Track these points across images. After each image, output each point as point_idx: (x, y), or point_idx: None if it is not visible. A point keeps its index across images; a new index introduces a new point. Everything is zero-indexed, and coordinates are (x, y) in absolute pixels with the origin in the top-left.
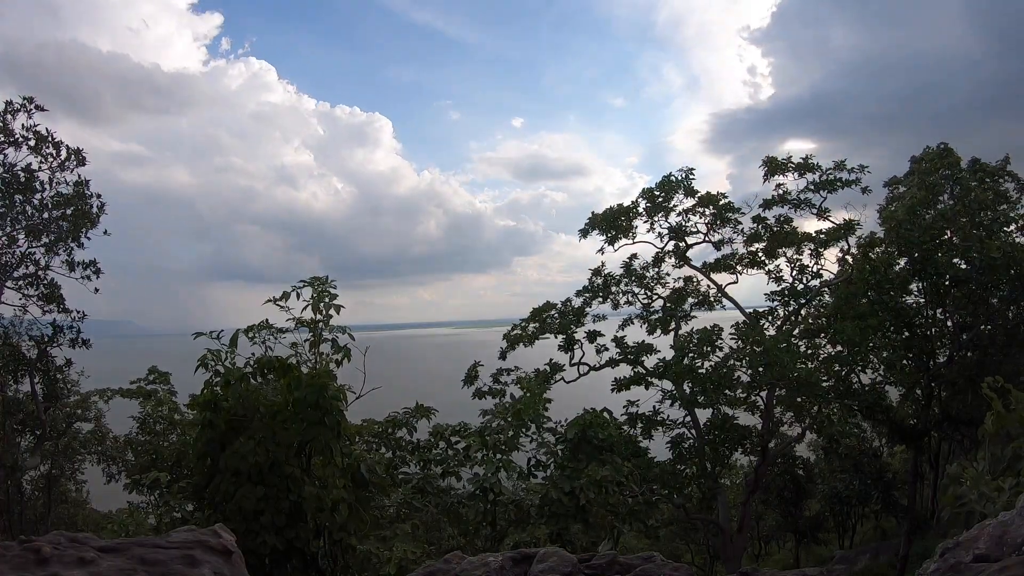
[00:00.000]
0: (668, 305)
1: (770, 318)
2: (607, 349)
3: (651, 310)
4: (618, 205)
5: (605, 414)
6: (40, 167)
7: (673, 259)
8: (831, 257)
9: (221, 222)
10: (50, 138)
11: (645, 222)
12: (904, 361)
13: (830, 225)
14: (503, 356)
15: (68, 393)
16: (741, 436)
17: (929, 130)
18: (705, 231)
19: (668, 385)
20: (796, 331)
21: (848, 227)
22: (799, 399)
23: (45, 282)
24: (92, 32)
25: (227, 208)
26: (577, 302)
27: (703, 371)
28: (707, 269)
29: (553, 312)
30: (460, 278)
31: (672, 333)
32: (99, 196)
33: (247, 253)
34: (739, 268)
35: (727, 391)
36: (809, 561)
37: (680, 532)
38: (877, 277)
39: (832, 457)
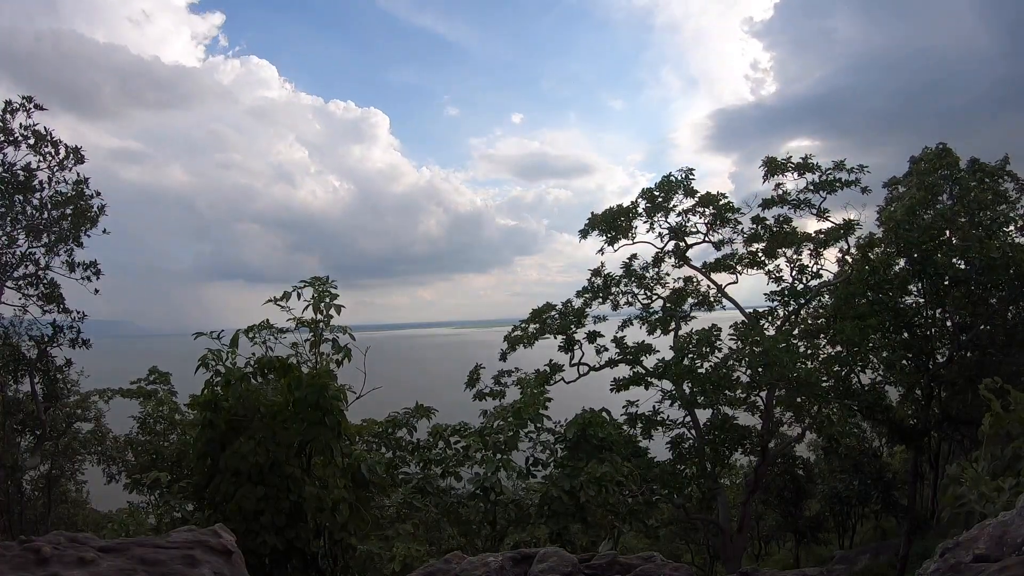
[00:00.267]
0: (668, 305)
1: (770, 318)
2: (607, 349)
3: (651, 310)
4: (618, 206)
5: (604, 414)
6: (39, 166)
7: (673, 259)
8: (831, 257)
9: (220, 220)
10: (49, 137)
11: (645, 222)
12: (904, 361)
13: (830, 225)
14: (503, 357)
15: (68, 393)
16: (741, 436)
17: (938, 128)
18: (705, 231)
19: (668, 385)
20: (796, 331)
21: (848, 227)
22: (799, 399)
23: (45, 282)
24: (90, 24)
25: (226, 206)
26: (577, 303)
27: (703, 371)
28: (707, 269)
29: (553, 313)
30: (460, 278)
31: (672, 333)
32: (99, 194)
33: (246, 252)
34: (739, 268)
35: (727, 391)
36: (809, 561)
37: (680, 532)
38: (876, 277)
39: (832, 457)
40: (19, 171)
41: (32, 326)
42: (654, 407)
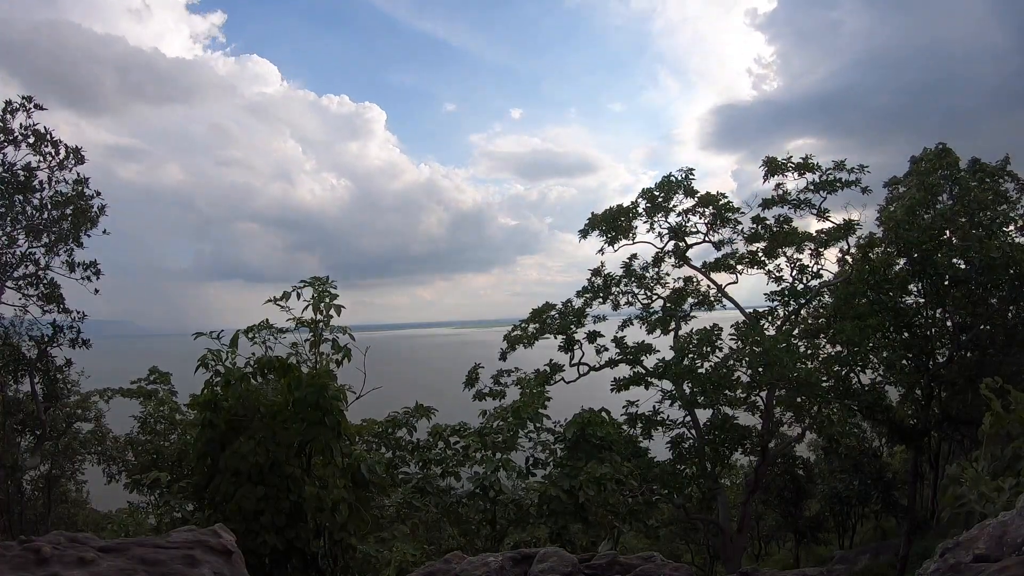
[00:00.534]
0: (668, 305)
1: (770, 318)
2: (607, 349)
3: (651, 310)
4: (618, 206)
5: (604, 414)
6: (39, 166)
7: (673, 259)
8: (831, 257)
9: (219, 219)
10: (49, 137)
11: (645, 222)
12: (904, 361)
13: (830, 225)
14: (503, 357)
15: (68, 393)
16: (741, 436)
17: (945, 126)
18: (705, 231)
19: (668, 385)
20: (796, 331)
21: (848, 227)
22: (799, 399)
23: (45, 282)
24: (88, 17)
25: (225, 205)
26: (577, 302)
27: (703, 371)
28: (707, 269)
29: (553, 313)
30: (460, 277)
31: (672, 333)
32: (99, 194)
33: (245, 252)
34: (739, 268)
35: (727, 391)
36: (809, 561)
37: (680, 532)
38: (876, 277)
39: (832, 457)
40: (19, 171)
41: (32, 326)
42: (654, 407)
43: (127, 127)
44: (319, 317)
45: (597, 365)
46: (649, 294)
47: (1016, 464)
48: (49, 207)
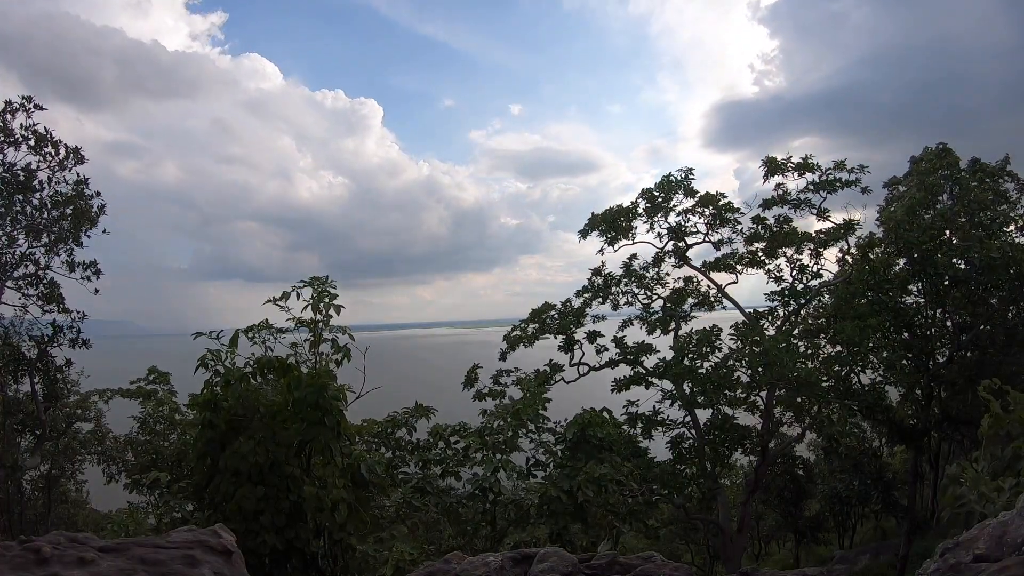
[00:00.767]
0: (668, 305)
1: (770, 318)
2: (607, 349)
3: (651, 310)
4: (618, 206)
5: (604, 414)
6: (39, 166)
7: (673, 259)
8: (831, 257)
9: (218, 217)
10: (49, 137)
11: (645, 222)
12: (904, 361)
13: (830, 225)
14: (503, 357)
15: (68, 393)
16: (741, 436)
17: (954, 124)
18: (705, 231)
19: (668, 385)
20: (796, 331)
21: (848, 227)
22: (799, 399)
23: (45, 282)
24: (86, 11)
25: (223, 203)
26: (577, 302)
27: (703, 371)
28: (707, 269)
29: (553, 313)
30: (461, 277)
31: (672, 333)
32: (99, 195)
33: (244, 251)
34: (739, 268)
35: (727, 391)
36: (809, 561)
37: (680, 532)
38: (876, 277)
39: (832, 457)
40: (19, 171)
41: (32, 326)
42: (654, 407)
43: (126, 122)
44: (319, 317)
45: (597, 365)
46: (649, 294)
47: (1016, 464)
48: (49, 207)
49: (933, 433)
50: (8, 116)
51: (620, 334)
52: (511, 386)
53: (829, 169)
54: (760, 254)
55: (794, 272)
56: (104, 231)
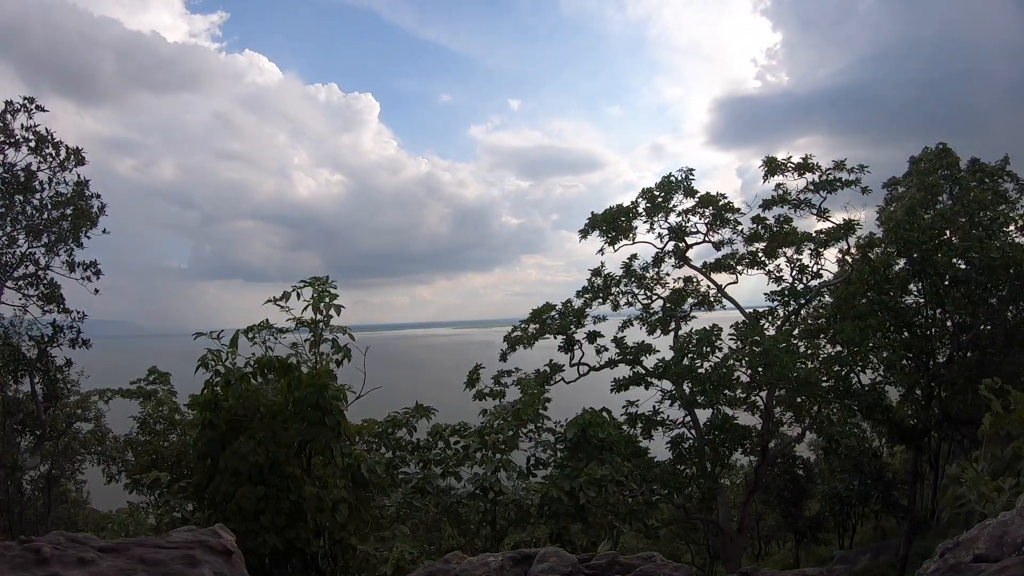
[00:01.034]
0: (668, 305)
1: (770, 318)
2: (607, 349)
3: (651, 311)
4: (618, 206)
5: (604, 414)
6: (40, 167)
7: (673, 259)
8: (831, 257)
9: (217, 215)
10: (50, 138)
11: (645, 222)
12: (904, 361)
13: (830, 225)
14: (503, 358)
15: (68, 393)
16: (741, 436)
17: (964, 122)
18: (705, 231)
19: (668, 385)
20: (796, 331)
21: (848, 227)
22: (799, 399)
23: (45, 282)
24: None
25: (224, 201)
26: (577, 303)
27: (703, 371)
28: (707, 269)
29: (553, 313)
30: (461, 277)
31: (672, 333)
32: (99, 196)
33: (243, 250)
34: (739, 268)
35: (727, 391)
36: (809, 561)
37: (680, 532)
38: (876, 277)
39: (832, 457)
40: (19, 172)
41: (32, 326)
42: (654, 407)
43: (124, 117)
44: (319, 317)
45: (597, 365)
46: (649, 294)
47: (1016, 464)
48: (49, 207)
49: (933, 433)
50: (9, 117)
51: (620, 334)
52: (511, 386)
53: (829, 169)
54: (760, 254)
55: (794, 272)
56: (104, 231)
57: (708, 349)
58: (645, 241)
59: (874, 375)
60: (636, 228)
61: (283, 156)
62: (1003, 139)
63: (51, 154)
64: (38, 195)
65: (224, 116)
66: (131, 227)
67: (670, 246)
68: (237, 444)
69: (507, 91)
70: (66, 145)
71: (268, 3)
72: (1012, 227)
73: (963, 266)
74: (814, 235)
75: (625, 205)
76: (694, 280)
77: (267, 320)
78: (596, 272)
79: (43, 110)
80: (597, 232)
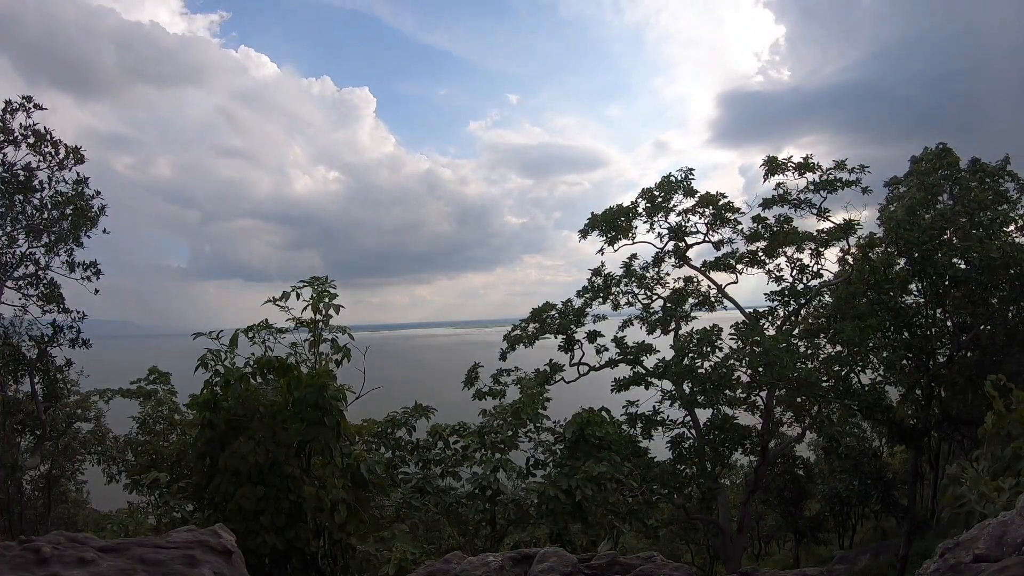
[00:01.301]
0: (668, 305)
1: (770, 318)
2: (607, 349)
3: (651, 310)
4: (618, 205)
5: (603, 413)
6: (39, 166)
7: (673, 259)
8: (831, 257)
9: (217, 213)
10: (49, 137)
11: (645, 222)
12: (904, 361)
13: (830, 225)
14: (503, 357)
15: (68, 393)
16: (741, 436)
17: (973, 120)
18: (705, 231)
19: (668, 385)
20: (796, 331)
21: (848, 227)
22: (799, 399)
23: (45, 282)
24: None
25: (223, 199)
26: (577, 302)
27: (703, 371)
28: (707, 269)
29: (553, 312)
30: (462, 277)
31: (672, 333)
32: (99, 194)
33: (242, 249)
34: (739, 268)
35: (727, 391)
36: (809, 561)
37: (680, 532)
38: (876, 277)
39: (832, 457)
40: (19, 171)
41: (32, 326)
42: (654, 407)
43: (122, 112)
44: (318, 317)
45: (597, 365)
46: (649, 294)
47: (1016, 464)
48: (49, 207)
49: (933, 433)
50: (8, 116)
51: (620, 334)
52: (511, 386)
53: (829, 169)
54: (760, 254)
55: (794, 272)
56: (104, 231)
57: (708, 349)
58: (645, 241)
59: (874, 375)
60: (636, 228)
61: (282, 153)
62: (1015, 136)
63: (50, 153)
64: (38, 195)
65: (225, 110)
66: (131, 227)
67: (670, 246)
68: (237, 444)
69: (506, 88)
70: (65, 144)
71: (269, 4)
72: (1012, 227)
73: (963, 266)
74: (814, 235)
75: (625, 205)
76: (694, 280)
77: (267, 320)
78: (596, 272)
79: (41, 108)
80: (597, 232)
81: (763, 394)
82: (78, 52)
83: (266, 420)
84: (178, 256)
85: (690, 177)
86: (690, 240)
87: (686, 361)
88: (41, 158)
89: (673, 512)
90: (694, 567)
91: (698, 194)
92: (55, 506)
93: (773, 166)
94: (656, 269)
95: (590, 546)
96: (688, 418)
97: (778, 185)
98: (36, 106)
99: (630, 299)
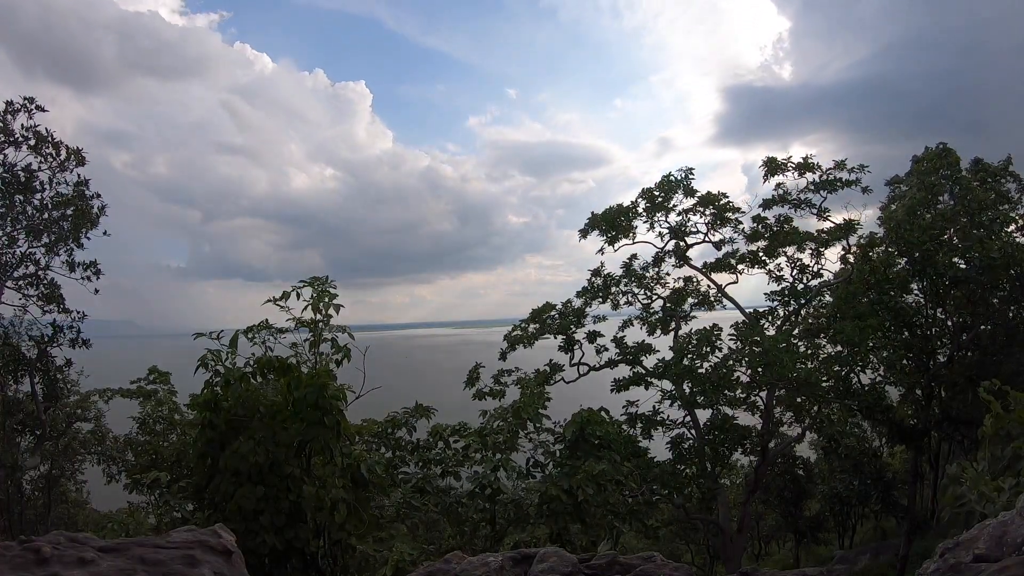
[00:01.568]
0: (668, 305)
1: (770, 318)
2: (607, 349)
3: (651, 310)
4: (618, 205)
5: (603, 413)
6: (40, 167)
7: (673, 259)
8: (832, 257)
9: (218, 212)
10: (50, 138)
11: (645, 222)
12: (904, 361)
13: (831, 225)
14: (503, 357)
15: (68, 393)
16: (741, 436)
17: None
18: (705, 231)
19: (668, 385)
20: (796, 331)
21: (848, 227)
22: (799, 399)
23: (45, 282)
24: None
25: (223, 197)
26: (577, 303)
27: (703, 371)
28: (707, 269)
29: (553, 313)
30: (463, 276)
31: (672, 333)
32: (99, 196)
33: (242, 249)
34: (739, 268)
35: (727, 391)
36: (809, 561)
37: (680, 532)
38: (877, 277)
39: (832, 457)
40: (20, 172)
41: (32, 326)
42: (654, 407)
43: (119, 106)
44: (319, 317)
45: (597, 365)
46: (649, 294)
47: (1016, 464)
48: (49, 207)
49: (933, 433)
50: (9, 117)
51: (620, 334)
52: (511, 386)
53: (829, 169)
54: (761, 254)
55: (794, 272)
56: (105, 233)
57: (708, 349)
58: (645, 241)
59: (874, 375)
60: (636, 228)
61: (279, 151)
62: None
63: (51, 154)
64: (38, 195)
65: (227, 103)
66: (131, 226)
67: (670, 246)
68: (237, 444)
69: (505, 83)
70: (66, 145)
71: (269, 5)
72: (1013, 227)
73: (963, 266)
74: (815, 235)
75: (625, 205)
76: (694, 280)
77: (267, 320)
78: (596, 272)
79: (43, 110)
80: (597, 232)
81: (763, 394)
82: (76, 44)
83: (266, 420)
84: (178, 256)
85: (690, 177)
86: (690, 240)
87: (686, 361)
88: (42, 159)
89: (673, 512)
90: (694, 567)
91: (698, 194)
92: (55, 506)
93: (773, 167)
94: (656, 269)
95: (590, 546)
96: (688, 418)
97: (778, 185)
98: (38, 107)
99: (630, 299)
